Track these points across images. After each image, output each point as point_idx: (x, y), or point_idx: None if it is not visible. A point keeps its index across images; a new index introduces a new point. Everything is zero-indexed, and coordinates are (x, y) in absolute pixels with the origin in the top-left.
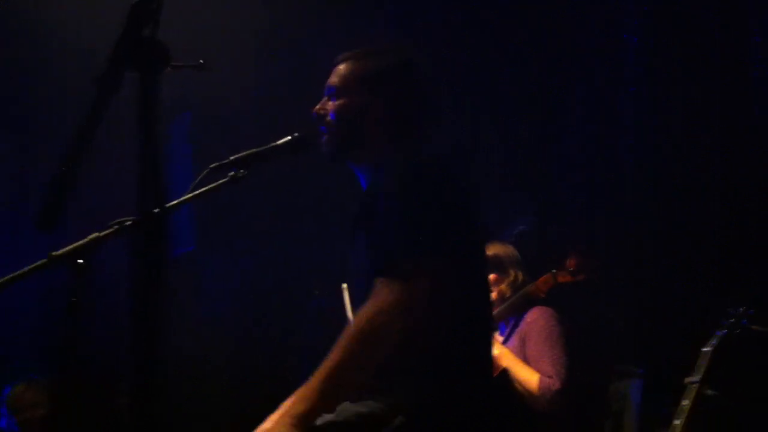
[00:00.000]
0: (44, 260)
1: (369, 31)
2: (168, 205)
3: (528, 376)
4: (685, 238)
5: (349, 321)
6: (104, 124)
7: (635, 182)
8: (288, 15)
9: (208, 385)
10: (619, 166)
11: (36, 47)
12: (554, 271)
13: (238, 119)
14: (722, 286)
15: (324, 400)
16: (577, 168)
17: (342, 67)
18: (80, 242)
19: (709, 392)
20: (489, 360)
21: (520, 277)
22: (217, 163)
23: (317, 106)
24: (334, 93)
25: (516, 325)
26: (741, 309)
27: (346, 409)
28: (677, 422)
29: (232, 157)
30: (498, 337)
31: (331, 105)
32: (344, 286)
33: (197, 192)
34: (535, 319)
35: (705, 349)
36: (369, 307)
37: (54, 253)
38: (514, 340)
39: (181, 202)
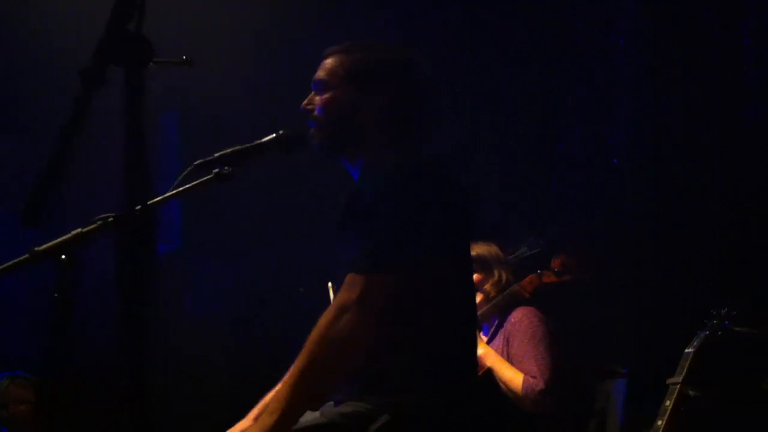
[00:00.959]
0: (26, 256)
1: (366, 28)
2: (151, 201)
3: (512, 376)
4: (669, 240)
5: None
6: (92, 119)
7: (622, 184)
8: (280, 12)
9: (198, 383)
10: (611, 168)
11: (28, 45)
12: (539, 271)
13: (228, 117)
14: (705, 287)
15: (293, 411)
16: (568, 169)
17: (329, 61)
18: (63, 238)
19: (691, 393)
20: (474, 359)
21: (505, 277)
22: (202, 160)
23: (304, 102)
24: (321, 87)
25: (500, 325)
26: (724, 310)
27: (330, 410)
28: (660, 422)
29: (217, 154)
30: (482, 337)
31: (318, 99)
32: (330, 284)
33: (181, 189)
34: (519, 319)
35: (687, 350)
36: (330, 310)
37: (36, 249)
38: (499, 340)
39: (165, 198)
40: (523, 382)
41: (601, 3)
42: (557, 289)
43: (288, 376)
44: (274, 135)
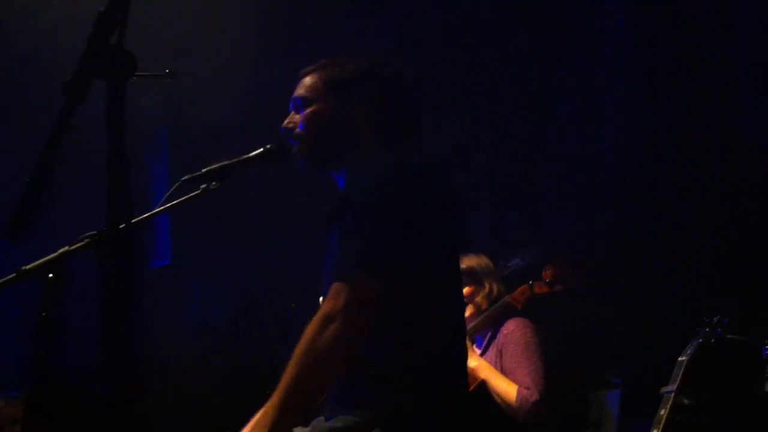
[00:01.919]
0: (13, 275)
1: (356, 40)
2: (137, 219)
3: (506, 388)
4: (661, 249)
5: None
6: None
7: (613, 191)
8: (269, 26)
9: (188, 398)
10: (603, 175)
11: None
12: (531, 282)
13: (218, 132)
14: (697, 295)
15: (283, 423)
16: (561, 175)
17: (307, 79)
18: (50, 256)
19: (686, 401)
20: (464, 370)
21: (496, 288)
22: (189, 176)
23: (285, 121)
24: (301, 104)
25: (493, 337)
26: (716, 318)
27: (321, 424)
28: (655, 431)
29: (204, 170)
30: (475, 350)
31: (298, 117)
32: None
33: (169, 205)
34: (512, 330)
35: (681, 359)
36: (315, 320)
37: (24, 268)
38: (491, 352)
39: (153, 214)
40: (518, 393)
41: (597, 7)
42: (549, 299)
43: (277, 390)
44: (261, 150)
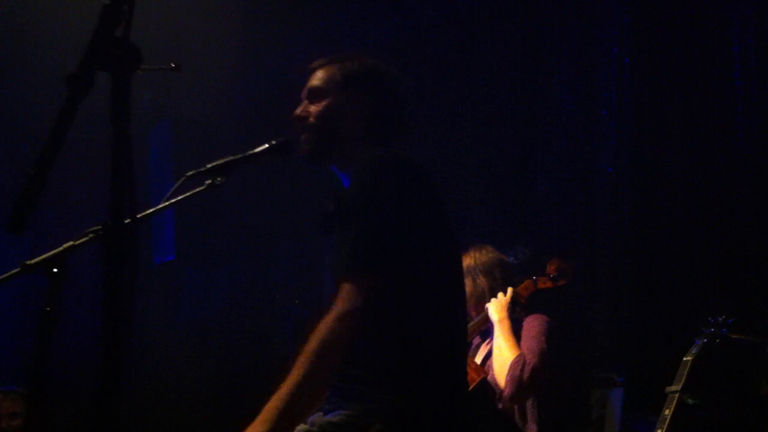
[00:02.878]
0: (18, 269)
1: (352, 37)
2: (142, 214)
3: (510, 347)
4: (665, 249)
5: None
6: (83, 128)
7: (617, 191)
8: (271, 22)
9: (185, 394)
10: (602, 175)
11: (11, 47)
12: (535, 277)
13: (221, 126)
14: (702, 295)
15: (284, 420)
16: (561, 176)
17: (321, 71)
18: (55, 251)
19: (690, 401)
20: (463, 365)
21: (484, 284)
22: (194, 171)
23: (298, 110)
24: (316, 95)
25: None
26: (721, 318)
27: (320, 419)
28: (660, 431)
29: (209, 165)
30: (502, 309)
31: (313, 108)
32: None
33: (172, 201)
34: (531, 321)
35: (685, 358)
36: (325, 320)
37: (28, 262)
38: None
39: (156, 210)
40: (518, 355)
41: (593, 12)
42: (553, 294)
43: (280, 390)
44: (266, 145)
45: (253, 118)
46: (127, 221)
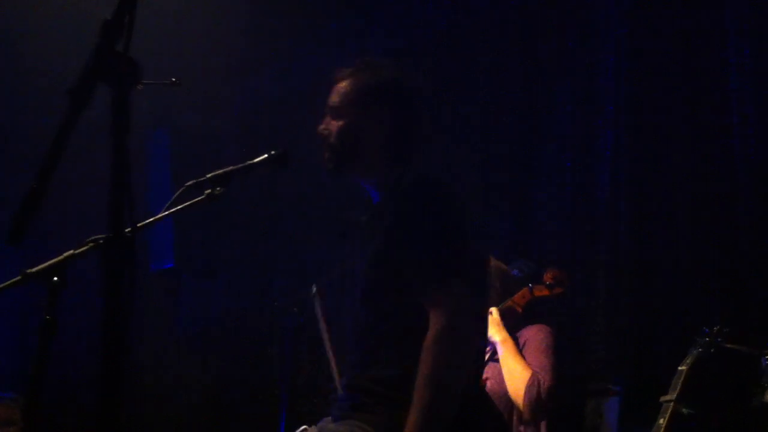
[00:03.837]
0: (18, 278)
1: (351, 46)
2: (141, 223)
3: (522, 369)
4: (661, 258)
5: (321, 325)
6: (84, 139)
7: (612, 200)
8: (271, 30)
9: (185, 402)
10: (598, 183)
11: (12, 60)
12: (531, 285)
13: (219, 134)
14: (698, 304)
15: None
16: (558, 183)
17: (342, 85)
18: (55, 260)
19: (685, 410)
20: (479, 376)
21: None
22: (194, 181)
23: (321, 126)
24: (337, 111)
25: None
26: (716, 327)
27: (328, 426)
28: None
29: (208, 175)
30: (502, 329)
31: (334, 124)
32: (314, 289)
33: (172, 210)
34: (535, 333)
35: (680, 368)
36: (436, 340)
37: (28, 271)
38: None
39: (156, 220)
40: (532, 375)
41: (589, 24)
42: (549, 302)
43: (416, 412)
44: (266, 155)
45: (251, 126)
46: (126, 231)
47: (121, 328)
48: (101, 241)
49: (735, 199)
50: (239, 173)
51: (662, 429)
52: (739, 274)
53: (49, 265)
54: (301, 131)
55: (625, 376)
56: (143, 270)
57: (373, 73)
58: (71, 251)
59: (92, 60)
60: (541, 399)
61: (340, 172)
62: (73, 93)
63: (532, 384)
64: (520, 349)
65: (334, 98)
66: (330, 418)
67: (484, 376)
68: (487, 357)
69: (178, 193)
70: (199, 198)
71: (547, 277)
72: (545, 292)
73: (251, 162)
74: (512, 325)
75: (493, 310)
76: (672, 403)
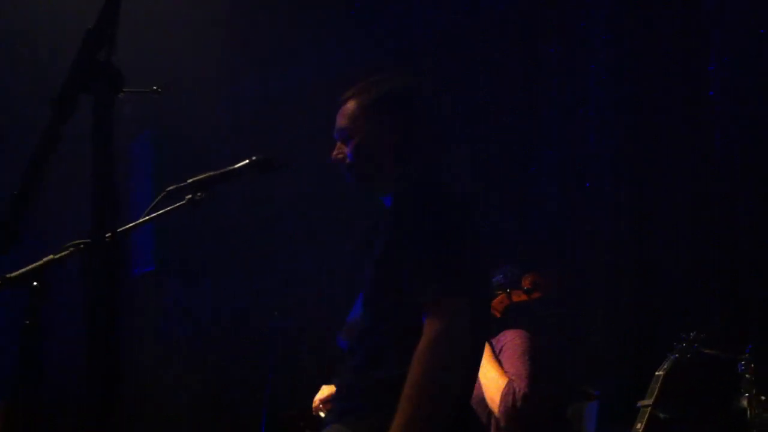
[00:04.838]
0: None
1: (334, 52)
2: (121, 228)
3: (497, 376)
4: (640, 263)
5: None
6: (63, 146)
7: (593, 206)
8: (255, 34)
9: (171, 404)
10: (583, 190)
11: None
12: (509, 290)
13: (202, 140)
14: (675, 310)
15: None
16: (540, 192)
17: (348, 107)
18: (35, 264)
19: (661, 415)
20: (472, 386)
21: None
22: (175, 186)
23: (334, 153)
24: (347, 134)
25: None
26: (693, 333)
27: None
28: None
29: (189, 180)
30: None
31: (346, 147)
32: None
33: (154, 215)
34: (511, 338)
35: (657, 373)
36: (431, 341)
37: (8, 276)
38: None
39: (136, 225)
40: (508, 383)
41: (574, 29)
42: (528, 307)
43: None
44: (247, 161)
45: (234, 131)
46: (108, 236)
47: (107, 333)
48: (82, 246)
49: (716, 208)
50: (220, 179)
51: None
52: (716, 280)
53: (29, 270)
54: (285, 135)
55: (604, 380)
56: (126, 274)
57: (376, 88)
58: (51, 256)
59: (74, 69)
60: (516, 407)
61: (366, 191)
62: (55, 102)
63: (508, 392)
64: (497, 354)
65: (342, 122)
66: (327, 418)
67: None
68: None
69: (158, 198)
70: (180, 203)
71: (526, 282)
72: (523, 297)
73: (233, 167)
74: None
75: None
76: (649, 408)
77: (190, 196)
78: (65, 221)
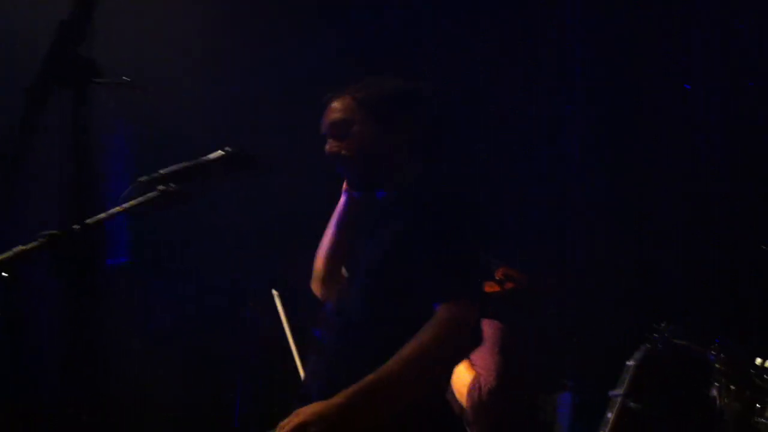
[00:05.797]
0: None
1: (319, 47)
2: (92, 219)
3: (464, 370)
4: (612, 254)
5: (283, 326)
6: (35, 136)
7: (567, 199)
8: (237, 23)
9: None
10: (558, 183)
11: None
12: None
13: (179, 129)
14: (648, 300)
15: (368, 410)
16: (517, 187)
17: (337, 103)
18: (3, 255)
19: (633, 405)
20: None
21: None
22: (146, 177)
23: (327, 148)
24: (342, 127)
25: None
26: (664, 324)
27: None
28: None
29: (161, 171)
30: None
31: (340, 142)
32: (275, 293)
33: (125, 206)
34: (484, 330)
35: (629, 363)
36: (430, 329)
37: None
38: None
39: (108, 215)
40: (474, 377)
41: (557, 28)
42: (500, 298)
43: (370, 378)
44: (221, 152)
45: (215, 120)
46: (79, 226)
47: (83, 325)
48: (56, 237)
49: (692, 201)
50: (194, 170)
51: (610, 423)
52: (690, 271)
53: None
54: (267, 128)
55: (577, 370)
56: (100, 265)
57: (374, 88)
58: (20, 247)
59: (48, 60)
60: (482, 402)
61: (365, 186)
62: (29, 93)
63: (473, 387)
64: None
65: (335, 115)
66: None
67: None
68: None
69: (129, 188)
70: (152, 195)
71: (498, 273)
72: (495, 288)
73: (206, 158)
74: None
75: None
76: (620, 398)
77: (162, 187)
78: (40, 212)
